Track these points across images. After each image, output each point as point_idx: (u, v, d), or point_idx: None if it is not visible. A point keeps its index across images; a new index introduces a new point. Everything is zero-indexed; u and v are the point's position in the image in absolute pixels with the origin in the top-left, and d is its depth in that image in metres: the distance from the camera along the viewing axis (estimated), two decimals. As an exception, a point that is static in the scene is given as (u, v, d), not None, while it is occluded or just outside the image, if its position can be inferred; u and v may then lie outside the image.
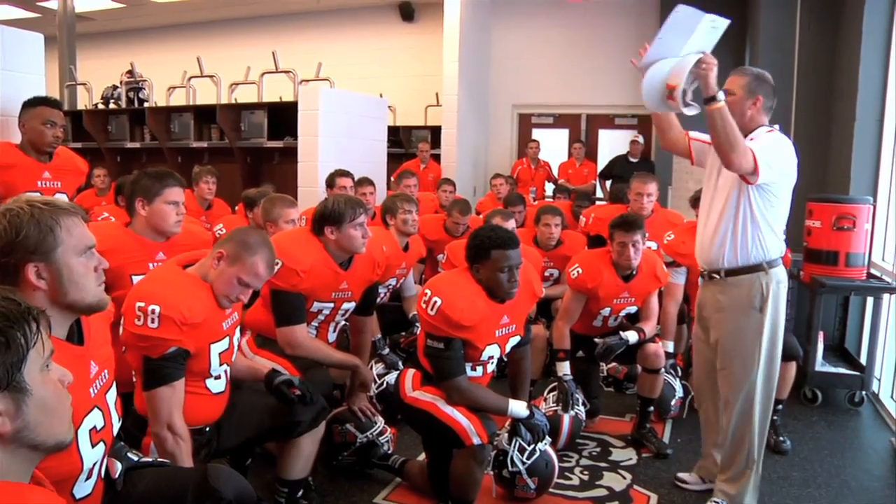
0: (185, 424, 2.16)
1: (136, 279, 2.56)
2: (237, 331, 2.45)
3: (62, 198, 3.40)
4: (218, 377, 2.35)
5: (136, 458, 1.90)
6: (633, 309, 3.64)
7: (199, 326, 2.15)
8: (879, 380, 4.32)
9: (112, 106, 7.36)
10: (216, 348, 2.27)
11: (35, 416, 1.07)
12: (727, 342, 2.78)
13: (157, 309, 2.06)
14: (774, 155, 2.56)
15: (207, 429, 2.36)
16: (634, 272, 3.54)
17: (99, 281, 1.59)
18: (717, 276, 2.76)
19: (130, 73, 7.33)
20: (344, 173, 5.00)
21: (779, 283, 2.71)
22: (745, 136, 2.56)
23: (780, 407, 3.64)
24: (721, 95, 2.44)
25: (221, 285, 2.25)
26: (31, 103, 3.33)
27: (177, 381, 2.14)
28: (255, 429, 2.51)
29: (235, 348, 2.44)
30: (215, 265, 2.26)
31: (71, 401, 1.17)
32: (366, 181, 5.14)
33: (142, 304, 2.07)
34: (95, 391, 1.63)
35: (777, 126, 2.75)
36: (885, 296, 4.19)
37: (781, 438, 3.57)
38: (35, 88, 3.74)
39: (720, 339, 2.80)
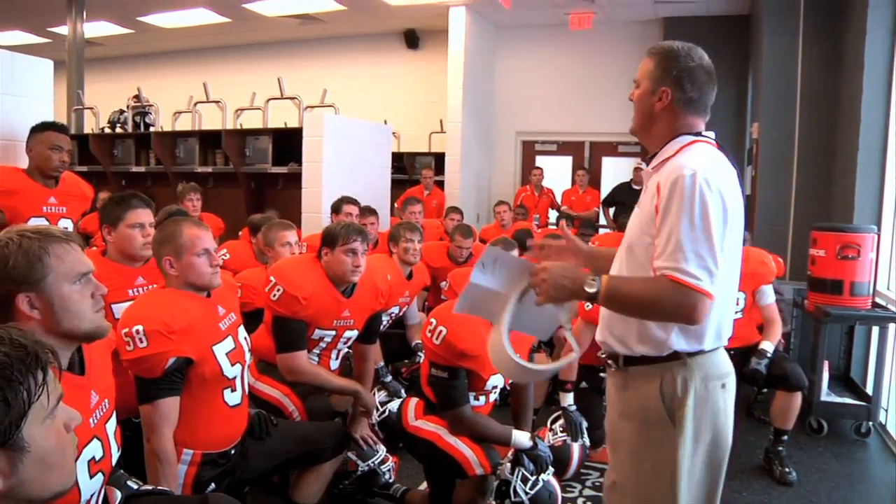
0: (171, 447, 2.14)
1: (115, 308, 2.52)
2: (241, 329, 2.42)
3: (67, 223, 3.42)
4: (234, 388, 2.33)
5: (135, 487, 1.89)
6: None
7: (190, 331, 2.14)
8: (886, 410, 4.28)
9: (118, 130, 7.41)
10: (220, 349, 2.25)
11: (32, 473, 1.01)
12: (620, 475, 1.88)
13: (141, 328, 2.07)
14: (701, 236, 1.60)
15: (232, 451, 2.34)
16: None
17: (97, 307, 1.58)
18: (614, 365, 1.86)
19: (137, 97, 7.39)
20: (350, 201, 5.00)
21: (709, 379, 1.75)
22: (656, 150, 1.82)
23: (785, 438, 3.61)
24: (592, 287, 1.68)
25: (190, 275, 2.25)
26: (39, 128, 3.35)
27: (163, 399, 2.12)
28: (283, 457, 2.52)
29: (245, 348, 2.41)
30: (172, 270, 2.25)
31: (75, 446, 1.13)
32: (368, 211, 5.11)
33: (127, 330, 2.08)
34: (95, 421, 1.62)
35: (710, 136, 1.85)
36: (891, 325, 4.18)
37: (787, 470, 3.53)
38: (43, 113, 3.77)
39: (615, 468, 1.93)
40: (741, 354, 3.63)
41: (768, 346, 3.64)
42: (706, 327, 1.73)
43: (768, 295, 3.78)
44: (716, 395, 1.77)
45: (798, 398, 3.59)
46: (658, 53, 1.82)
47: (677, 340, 1.73)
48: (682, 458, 1.73)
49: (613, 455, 1.93)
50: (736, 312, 3.67)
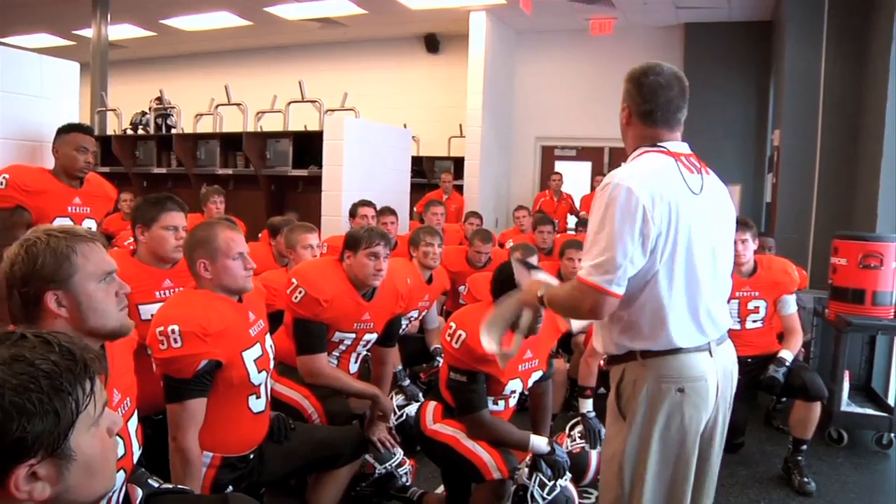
0: (196, 447, 2.15)
1: (142, 308, 2.57)
2: (268, 338, 2.44)
3: (91, 223, 3.46)
4: (259, 395, 2.34)
5: (156, 485, 1.90)
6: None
7: (224, 335, 2.15)
8: (908, 422, 4.23)
9: (140, 132, 7.49)
10: (249, 355, 2.27)
11: (78, 479, 1.01)
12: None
13: (177, 328, 2.08)
14: (607, 238, 1.75)
15: (251, 455, 2.36)
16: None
17: (121, 305, 1.61)
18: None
19: (159, 99, 7.46)
20: (366, 203, 5.03)
21: (663, 380, 1.85)
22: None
23: (804, 447, 3.58)
24: (541, 295, 1.98)
25: (225, 278, 2.26)
26: (65, 129, 3.38)
27: (191, 399, 2.13)
28: (300, 461, 2.52)
29: (271, 356, 2.42)
30: (207, 273, 2.25)
31: (117, 449, 1.14)
32: (387, 210, 5.16)
33: (161, 329, 2.08)
34: (118, 420, 1.64)
35: (673, 146, 1.92)
36: (914, 336, 4.12)
37: (806, 480, 3.50)
38: (69, 115, 3.81)
39: None
40: (760, 362, 3.61)
41: (787, 354, 3.61)
42: (652, 329, 1.85)
43: (790, 305, 3.75)
44: (672, 396, 1.85)
45: (817, 408, 3.56)
46: (629, 77, 1.99)
47: (620, 339, 1.91)
48: (628, 449, 1.89)
49: None
50: (756, 321, 3.68)
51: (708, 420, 1.91)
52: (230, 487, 2.26)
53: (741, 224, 3.37)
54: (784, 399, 4.33)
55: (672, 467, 1.89)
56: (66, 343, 1.02)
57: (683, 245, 1.82)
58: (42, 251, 1.49)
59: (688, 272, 1.84)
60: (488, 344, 2.17)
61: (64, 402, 0.97)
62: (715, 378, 1.90)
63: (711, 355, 1.90)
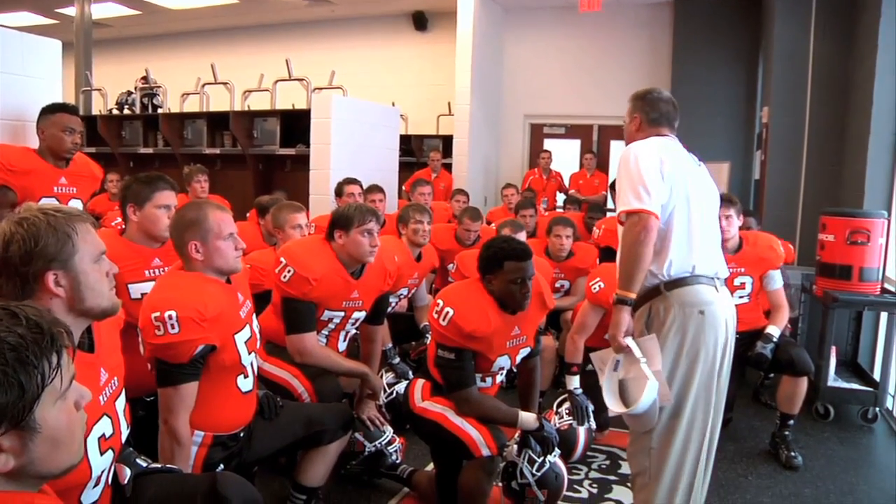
0: (187, 430, 2.15)
1: (132, 287, 2.56)
2: (254, 318, 2.43)
3: (77, 203, 3.43)
4: (247, 374, 2.33)
5: (144, 465, 1.90)
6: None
7: (218, 319, 2.14)
8: (894, 396, 4.28)
9: (126, 111, 7.42)
10: (240, 337, 2.26)
11: (42, 451, 1.02)
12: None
13: (174, 314, 2.05)
14: (633, 180, 2.32)
15: (241, 434, 2.36)
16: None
17: (111, 285, 1.60)
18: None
19: (145, 79, 7.39)
20: (352, 181, 5.01)
21: (686, 305, 2.34)
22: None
23: (791, 422, 3.62)
24: (619, 300, 2.32)
25: (217, 259, 2.23)
26: (50, 109, 3.34)
27: (185, 384, 2.12)
28: (288, 438, 2.52)
29: (258, 335, 2.42)
30: (198, 255, 2.22)
31: (84, 423, 1.13)
32: (375, 188, 5.15)
33: (157, 314, 2.05)
34: (105, 399, 1.63)
35: (667, 136, 2.55)
36: (900, 311, 4.16)
37: (793, 454, 3.54)
38: (52, 94, 3.77)
39: None
40: (747, 338, 3.63)
41: (774, 330, 3.64)
42: (678, 252, 2.34)
43: (776, 280, 3.77)
44: (696, 317, 2.31)
45: (804, 383, 3.59)
46: (631, 99, 2.63)
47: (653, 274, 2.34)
48: (667, 371, 2.31)
49: None
50: (742, 297, 3.70)
51: (722, 343, 2.35)
52: (221, 466, 2.26)
53: (725, 200, 3.39)
54: (771, 375, 4.37)
55: (706, 378, 2.32)
56: (33, 316, 1.02)
57: (691, 195, 2.38)
58: (44, 231, 1.47)
59: (696, 215, 2.38)
60: (617, 408, 2.39)
61: (29, 374, 0.97)
62: (722, 306, 2.37)
63: (717, 290, 2.39)
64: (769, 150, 6.06)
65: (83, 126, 3.56)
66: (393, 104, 7.65)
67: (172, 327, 2.05)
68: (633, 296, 2.29)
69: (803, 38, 5.76)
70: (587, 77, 9.05)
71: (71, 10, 8.76)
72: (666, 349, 2.30)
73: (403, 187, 6.99)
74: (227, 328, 2.20)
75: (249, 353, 2.31)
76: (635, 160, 2.33)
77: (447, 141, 8.85)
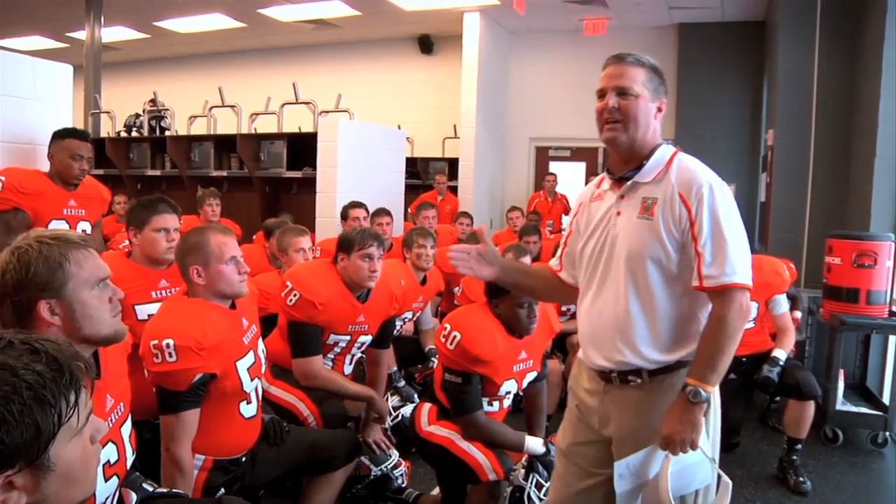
0: (189, 457, 2.15)
1: (139, 308, 2.58)
2: (260, 343, 2.43)
3: (86, 226, 3.45)
4: (250, 401, 2.33)
5: (150, 489, 1.89)
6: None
7: (219, 347, 2.13)
8: (903, 420, 4.24)
9: (134, 134, 7.47)
10: (242, 364, 2.25)
11: (55, 488, 0.99)
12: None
13: (171, 342, 2.05)
14: (741, 239, 1.80)
15: (243, 458, 2.35)
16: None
17: (115, 311, 1.59)
18: (635, 380, 1.89)
19: (153, 101, 7.45)
20: (357, 205, 5.03)
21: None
22: (640, 160, 1.87)
23: (799, 447, 3.59)
24: (698, 398, 1.75)
25: (219, 284, 2.23)
26: (61, 135, 3.37)
27: (186, 411, 2.11)
28: (292, 463, 2.51)
29: (263, 362, 2.42)
30: (200, 279, 2.22)
31: (99, 456, 1.11)
32: (382, 211, 5.16)
33: (156, 342, 2.06)
34: (110, 425, 1.63)
35: (669, 141, 2.02)
36: (908, 334, 4.14)
37: (801, 479, 3.50)
38: (63, 118, 3.81)
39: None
40: (753, 362, 3.62)
41: (781, 353, 3.62)
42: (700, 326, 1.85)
43: (781, 304, 3.76)
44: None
45: (811, 407, 3.56)
46: (651, 67, 1.85)
47: (676, 347, 1.85)
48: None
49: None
50: (749, 322, 3.68)
51: None
52: (222, 490, 2.25)
53: None
54: (778, 398, 4.34)
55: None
56: (53, 352, 1.00)
57: None
58: (34, 259, 1.47)
59: None
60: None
61: (46, 414, 0.95)
62: None
63: None
64: (774, 172, 6.06)
65: (92, 151, 3.59)
66: (399, 127, 7.68)
67: (170, 356, 2.05)
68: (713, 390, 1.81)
69: (808, 60, 5.78)
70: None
71: (81, 34, 8.84)
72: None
73: (409, 210, 7.01)
74: (228, 356, 2.20)
75: (252, 380, 2.30)
76: (735, 209, 1.81)
77: (453, 163, 8.88)
